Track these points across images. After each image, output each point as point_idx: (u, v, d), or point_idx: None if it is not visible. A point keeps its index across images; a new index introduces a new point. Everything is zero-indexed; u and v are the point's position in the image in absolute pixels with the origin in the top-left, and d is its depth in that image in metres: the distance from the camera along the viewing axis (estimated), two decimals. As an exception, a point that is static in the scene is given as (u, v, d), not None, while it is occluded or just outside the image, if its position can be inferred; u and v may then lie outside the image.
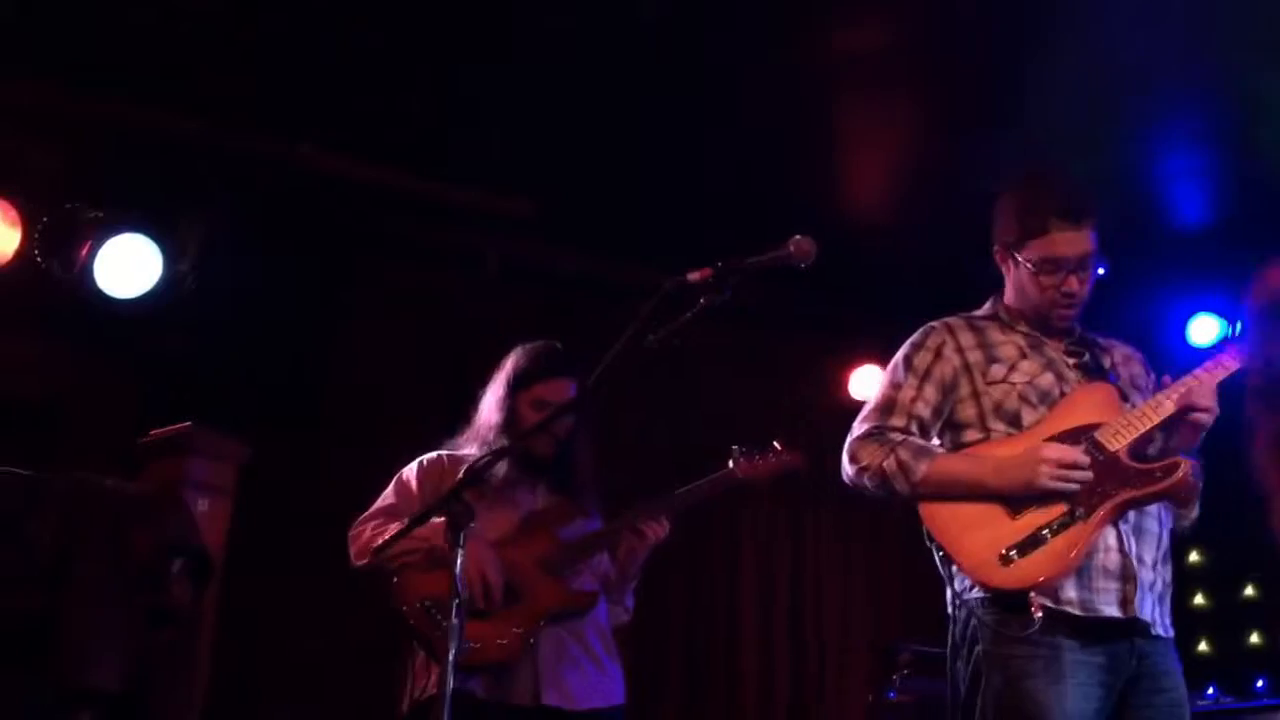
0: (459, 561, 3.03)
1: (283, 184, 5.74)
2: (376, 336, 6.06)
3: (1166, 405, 3.23)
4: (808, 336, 7.36)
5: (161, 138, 5.39)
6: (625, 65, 5.21)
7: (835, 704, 7.06)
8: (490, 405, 4.12)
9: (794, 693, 7.03)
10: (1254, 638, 7.21)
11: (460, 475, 3.28)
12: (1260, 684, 6.53)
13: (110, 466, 4.59)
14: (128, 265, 5.13)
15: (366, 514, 4.06)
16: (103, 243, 5.06)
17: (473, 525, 3.19)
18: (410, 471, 4.12)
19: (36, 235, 4.95)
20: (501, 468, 3.97)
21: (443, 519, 3.53)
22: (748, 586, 7.13)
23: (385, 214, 6.09)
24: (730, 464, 4.19)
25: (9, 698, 3.68)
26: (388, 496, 4.10)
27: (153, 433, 4.78)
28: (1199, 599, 7.28)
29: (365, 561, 3.90)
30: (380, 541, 3.78)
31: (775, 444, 4.25)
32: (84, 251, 5.02)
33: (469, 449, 4.12)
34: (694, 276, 2.97)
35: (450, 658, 2.90)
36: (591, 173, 5.93)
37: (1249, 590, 7.25)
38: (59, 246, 4.99)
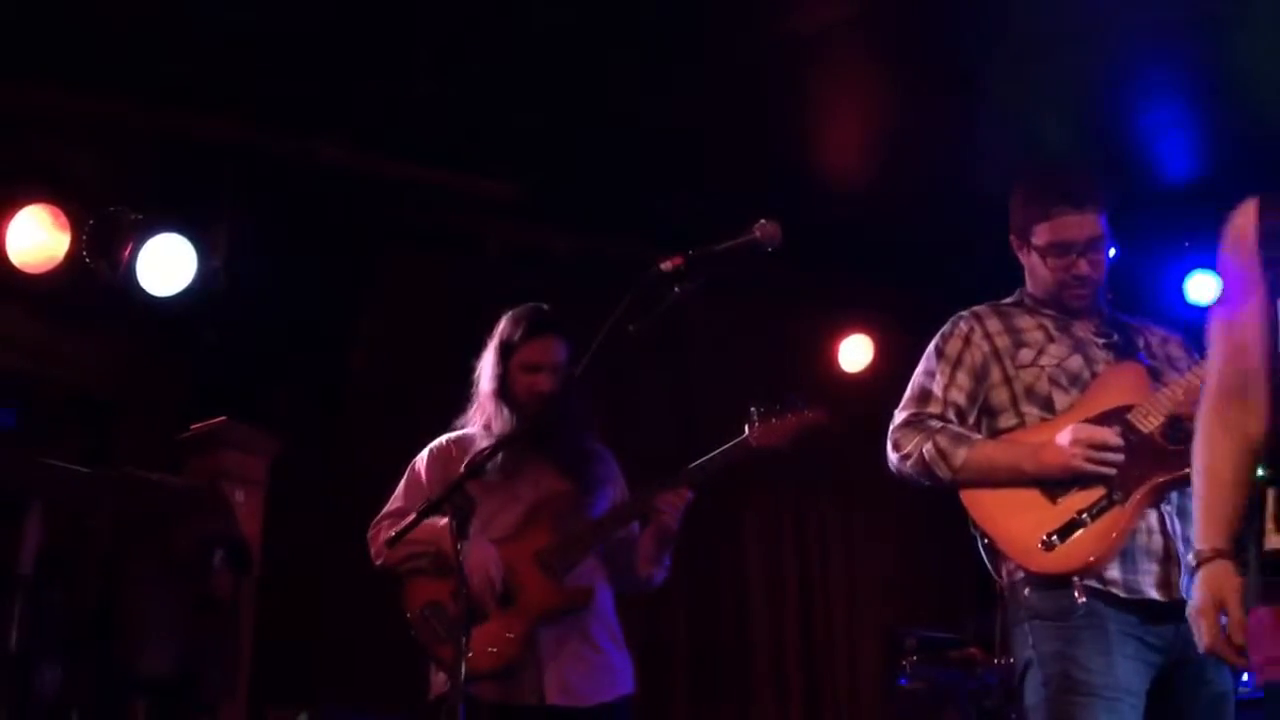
0: (462, 557, 3.13)
1: (301, 181, 5.88)
2: (397, 326, 6.16)
3: (1195, 383, 3.17)
4: (794, 307, 7.32)
5: (189, 139, 5.58)
6: (616, 48, 5.28)
7: (848, 693, 7.12)
8: (484, 375, 4.08)
9: (807, 683, 7.08)
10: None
11: (463, 468, 3.28)
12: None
13: (155, 461, 4.87)
14: (166, 264, 5.31)
15: (382, 512, 4.04)
16: (143, 243, 5.24)
17: (473, 520, 3.22)
18: (420, 462, 4.10)
19: (84, 238, 5.13)
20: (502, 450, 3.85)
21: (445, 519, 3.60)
22: (755, 575, 7.17)
23: (399, 205, 6.23)
24: (746, 430, 3.96)
25: (72, 688, 3.94)
26: (399, 494, 4.08)
27: (191, 428, 5.01)
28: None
29: (382, 561, 3.93)
30: (391, 534, 3.78)
31: (795, 400, 3.99)
32: (126, 252, 5.20)
33: (474, 425, 4.08)
34: (666, 266, 3.06)
35: (460, 661, 3.01)
36: (584, 154, 6.03)
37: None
38: (105, 248, 5.16)
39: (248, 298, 5.58)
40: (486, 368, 4.08)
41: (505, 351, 4.04)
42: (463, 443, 4.08)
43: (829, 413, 4.03)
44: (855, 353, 7.29)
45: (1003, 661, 5.68)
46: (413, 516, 3.39)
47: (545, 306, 4.12)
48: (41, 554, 4.17)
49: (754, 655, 7.05)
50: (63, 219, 5.14)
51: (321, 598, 5.38)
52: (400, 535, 3.48)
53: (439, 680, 3.84)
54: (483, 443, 3.98)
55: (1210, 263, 6.56)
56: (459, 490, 3.26)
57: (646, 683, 6.53)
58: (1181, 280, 6.81)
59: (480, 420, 4.05)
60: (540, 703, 3.76)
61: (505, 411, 4.00)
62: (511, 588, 3.83)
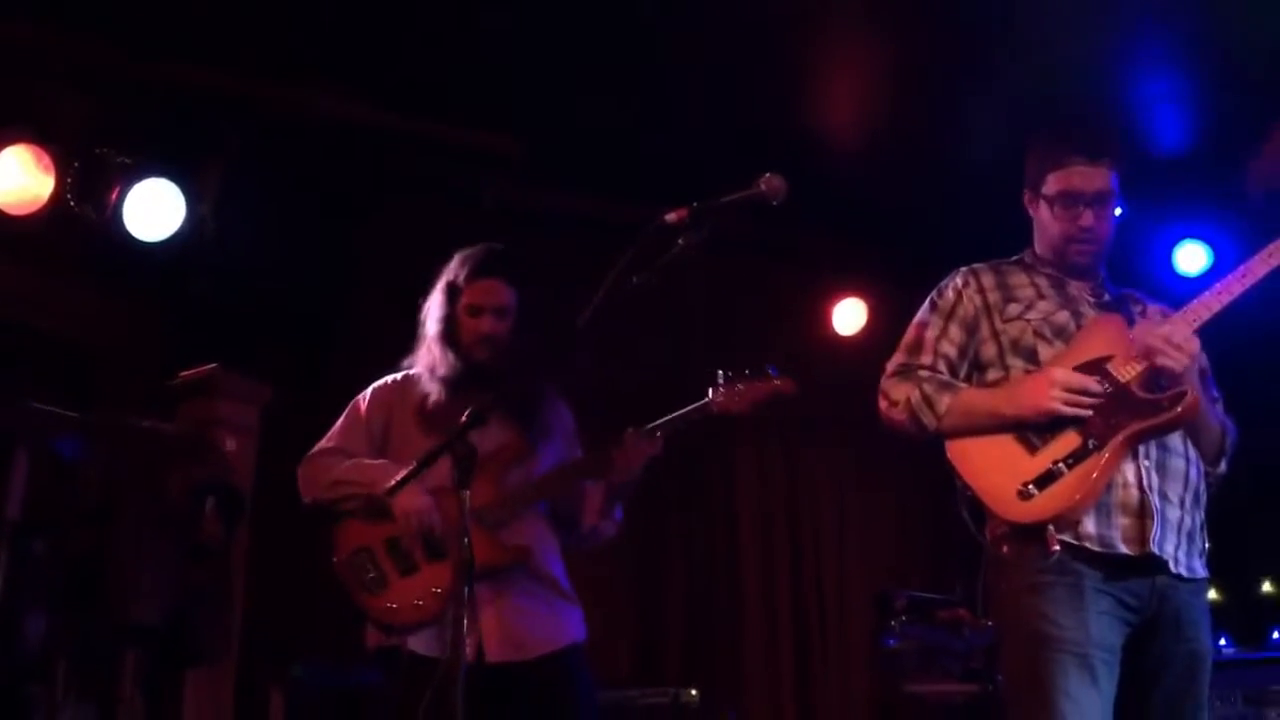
0: (466, 506, 3.02)
1: (297, 129, 5.83)
2: (390, 276, 6.05)
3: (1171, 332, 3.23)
4: (789, 270, 7.34)
5: (180, 85, 5.50)
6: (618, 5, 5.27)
7: (838, 653, 7.18)
8: (430, 316, 3.98)
9: (797, 642, 7.14)
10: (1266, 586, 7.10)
11: (464, 418, 3.08)
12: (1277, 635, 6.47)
13: (143, 407, 4.81)
14: (154, 209, 5.25)
15: (316, 448, 3.93)
16: (130, 187, 5.18)
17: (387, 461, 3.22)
18: (363, 401, 3.99)
19: (69, 181, 5.05)
20: (445, 393, 3.85)
21: (384, 462, 3.64)
22: (747, 536, 7.22)
23: (393, 156, 6.18)
24: (710, 393, 3.91)
25: (59, 638, 3.89)
26: (336, 431, 3.97)
27: (182, 374, 4.94)
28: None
29: (312, 498, 3.84)
30: (333, 477, 3.76)
31: (768, 369, 3.96)
32: (113, 196, 5.14)
33: (419, 367, 3.96)
34: (671, 217, 3.03)
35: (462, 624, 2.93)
36: (583, 113, 6.02)
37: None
38: (90, 191, 5.09)
39: (237, 245, 5.52)
40: (433, 309, 3.98)
41: (451, 293, 3.95)
42: (407, 384, 3.98)
43: (797, 385, 3.98)
44: (849, 316, 7.33)
45: (988, 622, 5.72)
46: (414, 465, 3.26)
47: (497, 246, 4.00)
48: (29, 501, 4.09)
49: (745, 613, 7.10)
50: (47, 161, 5.07)
51: (314, 548, 5.34)
52: (403, 483, 3.32)
53: (374, 632, 3.75)
54: (427, 386, 3.90)
55: (1199, 233, 6.76)
56: (461, 439, 3.14)
57: (639, 642, 6.64)
58: (1170, 250, 6.86)
59: (425, 362, 3.95)
60: (480, 660, 3.62)
61: (450, 355, 3.89)
62: (445, 541, 3.71)
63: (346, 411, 3.99)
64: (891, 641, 6.05)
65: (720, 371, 3.93)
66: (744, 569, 7.17)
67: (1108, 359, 3.28)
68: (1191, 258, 6.82)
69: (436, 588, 3.66)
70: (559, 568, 3.93)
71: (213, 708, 4.58)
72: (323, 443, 3.94)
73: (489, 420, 3.52)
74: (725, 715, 5.63)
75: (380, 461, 3.79)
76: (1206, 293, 3.30)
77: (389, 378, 4.02)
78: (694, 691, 5.57)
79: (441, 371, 3.89)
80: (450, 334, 3.91)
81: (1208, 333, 3.29)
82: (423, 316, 4.00)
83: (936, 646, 6.05)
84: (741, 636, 7.03)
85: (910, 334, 3.54)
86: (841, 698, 7.11)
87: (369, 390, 4.01)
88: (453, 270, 3.97)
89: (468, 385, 3.83)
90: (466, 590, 3.04)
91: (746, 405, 3.91)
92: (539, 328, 3.89)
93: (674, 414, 3.90)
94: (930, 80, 5.84)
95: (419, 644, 3.63)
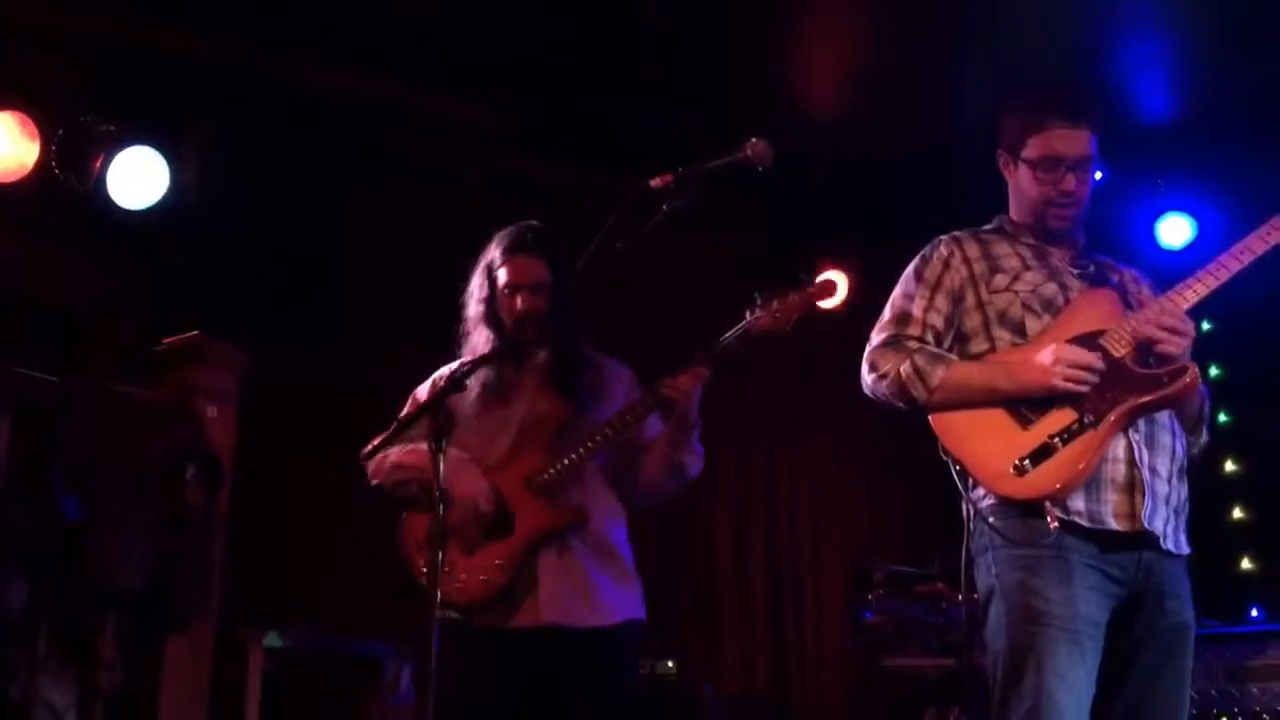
0: (440, 471, 3.08)
1: (281, 98, 5.83)
2: (374, 245, 6.11)
3: (1168, 306, 3.22)
4: (767, 244, 7.28)
5: (166, 52, 5.49)
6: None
7: (814, 627, 7.17)
8: (472, 298, 3.99)
9: (773, 615, 7.15)
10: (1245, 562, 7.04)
11: (443, 384, 3.18)
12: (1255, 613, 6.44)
13: (125, 373, 4.81)
14: (137, 177, 5.26)
15: (386, 434, 3.79)
16: (114, 155, 5.19)
17: (451, 448, 3.10)
18: (421, 391, 4.00)
19: (53, 148, 5.06)
20: (491, 372, 3.85)
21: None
22: (723, 508, 7.21)
23: (379, 125, 6.19)
24: (748, 314, 3.86)
25: (40, 603, 3.90)
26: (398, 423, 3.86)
27: (164, 341, 4.91)
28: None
29: (378, 481, 3.90)
30: (378, 456, 3.75)
31: (801, 276, 3.91)
32: (97, 163, 5.14)
33: (466, 352, 3.95)
34: (656, 182, 3.05)
35: (436, 583, 2.97)
36: (570, 85, 6.02)
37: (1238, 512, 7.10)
38: (75, 158, 5.10)
39: (221, 214, 5.52)
40: (474, 291, 4.00)
41: (489, 273, 3.96)
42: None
43: (834, 286, 3.92)
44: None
45: (967, 596, 5.74)
46: (393, 427, 3.33)
47: (533, 224, 3.99)
48: (10, 465, 4.10)
49: (721, 585, 7.10)
50: (31, 127, 5.09)
51: (294, 517, 5.35)
52: (380, 446, 3.41)
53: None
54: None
55: (1182, 204, 6.68)
56: (439, 405, 3.19)
57: None
58: (1153, 222, 6.81)
59: (470, 346, 3.96)
60: (536, 623, 3.67)
61: (489, 334, 3.91)
62: (505, 516, 3.75)
63: (408, 404, 3.98)
64: (869, 615, 6.03)
65: (756, 293, 3.86)
66: (720, 541, 7.16)
67: (1101, 333, 3.25)
68: (1175, 230, 6.76)
69: (498, 560, 3.70)
70: (621, 538, 3.93)
71: (192, 674, 4.60)
72: (389, 432, 3.87)
73: (525, 390, 3.79)
74: (701, 688, 5.65)
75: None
76: (1202, 270, 3.27)
77: (445, 368, 4.00)
78: (670, 664, 5.59)
79: (485, 352, 3.86)
80: (492, 314, 3.93)
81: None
82: (464, 300, 4.01)
83: (914, 620, 6.06)
84: (718, 609, 7.03)
85: (896, 304, 3.49)
86: (817, 671, 7.12)
87: (427, 381, 4.01)
88: (490, 251, 3.98)
89: (510, 362, 3.88)
90: (440, 555, 3.09)
91: (789, 322, 3.85)
92: (575, 302, 3.87)
93: (716, 341, 3.84)
94: (910, 51, 5.82)
95: (482, 618, 3.66)
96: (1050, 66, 5.77)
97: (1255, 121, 6.16)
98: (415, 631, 3.72)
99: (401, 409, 3.93)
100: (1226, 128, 6.21)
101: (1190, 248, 6.73)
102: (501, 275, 3.91)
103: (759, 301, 3.86)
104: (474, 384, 3.81)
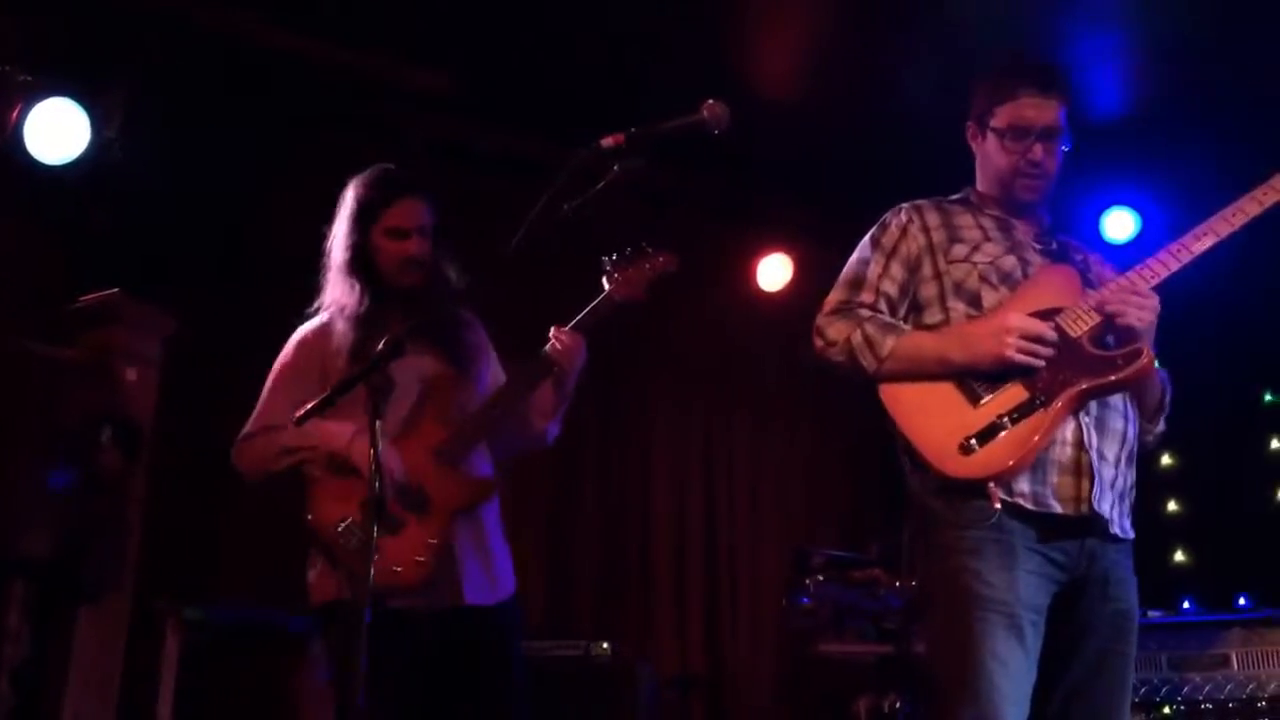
0: (379, 440, 2.87)
1: (211, 52, 5.66)
2: (302, 210, 5.95)
3: (1125, 284, 3.20)
4: (714, 225, 7.25)
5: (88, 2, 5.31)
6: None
7: (749, 610, 7.16)
8: (336, 245, 3.75)
9: (708, 599, 7.12)
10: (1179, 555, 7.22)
11: (381, 347, 2.93)
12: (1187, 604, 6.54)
13: (41, 333, 4.62)
14: (57, 130, 5.09)
15: (246, 430, 3.68)
16: (32, 107, 5.01)
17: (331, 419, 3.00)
18: (285, 360, 3.76)
19: (-33, 99, 4.88)
20: (359, 329, 3.60)
21: (324, 419, 3.30)
22: (660, 490, 7.16)
23: (314, 85, 6.04)
24: (605, 285, 3.81)
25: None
26: (264, 407, 3.70)
27: (81, 299, 4.76)
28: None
29: (261, 476, 3.64)
30: (281, 445, 3.55)
31: (645, 247, 3.87)
32: (14, 115, 4.97)
33: (327, 309, 3.75)
34: (607, 142, 2.94)
35: (369, 565, 2.79)
36: (510, 48, 5.93)
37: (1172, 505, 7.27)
38: (-10, 110, 4.93)
39: (143, 170, 5.33)
40: (339, 238, 3.75)
41: (364, 218, 3.72)
42: (328, 330, 3.72)
43: (678, 258, 3.91)
44: (774, 271, 7.32)
45: (906, 582, 5.70)
46: (325, 395, 3.07)
47: (399, 168, 3.83)
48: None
49: (657, 567, 7.05)
50: (-58, 76, 4.86)
51: (216, 486, 5.19)
52: (310, 414, 3.06)
53: (327, 586, 3.54)
54: (338, 325, 3.67)
55: (1127, 199, 6.81)
56: (377, 369, 2.98)
57: (550, 594, 6.56)
58: (1098, 216, 6.91)
59: (333, 298, 3.73)
60: (458, 603, 3.53)
61: (358, 286, 3.69)
62: (421, 490, 3.56)
63: (270, 382, 3.73)
64: (805, 600, 5.99)
65: (604, 259, 3.83)
66: (657, 522, 7.11)
67: (1057, 310, 3.20)
68: (1120, 224, 6.87)
69: (431, 539, 3.52)
70: (497, 504, 3.79)
71: (105, 645, 4.41)
72: (254, 424, 3.68)
73: (407, 352, 3.26)
74: (637, 669, 5.55)
75: (329, 424, 3.51)
76: (1163, 250, 3.22)
77: (305, 327, 3.76)
78: (605, 645, 5.52)
79: (353, 306, 3.67)
80: (361, 262, 3.70)
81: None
82: (326, 250, 3.78)
83: (850, 606, 6.03)
84: (653, 591, 6.98)
85: (850, 270, 3.42)
86: (752, 655, 7.09)
87: (289, 348, 3.76)
88: (361, 194, 3.76)
89: (386, 315, 3.62)
90: (375, 529, 2.86)
91: (641, 290, 3.82)
92: (451, 248, 3.73)
93: (581, 313, 3.77)
94: (859, 32, 5.78)
95: (400, 600, 3.43)
96: (999, 52, 5.75)
97: (1200, 117, 6.23)
98: (333, 612, 3.56)
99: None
100: (1172, 123, 6.25)
101: (1134, 242, 6.82)
102: (387, 219, 3.70)
103: (610, 269, 3.82)
104: (338, 342, 3.62)
